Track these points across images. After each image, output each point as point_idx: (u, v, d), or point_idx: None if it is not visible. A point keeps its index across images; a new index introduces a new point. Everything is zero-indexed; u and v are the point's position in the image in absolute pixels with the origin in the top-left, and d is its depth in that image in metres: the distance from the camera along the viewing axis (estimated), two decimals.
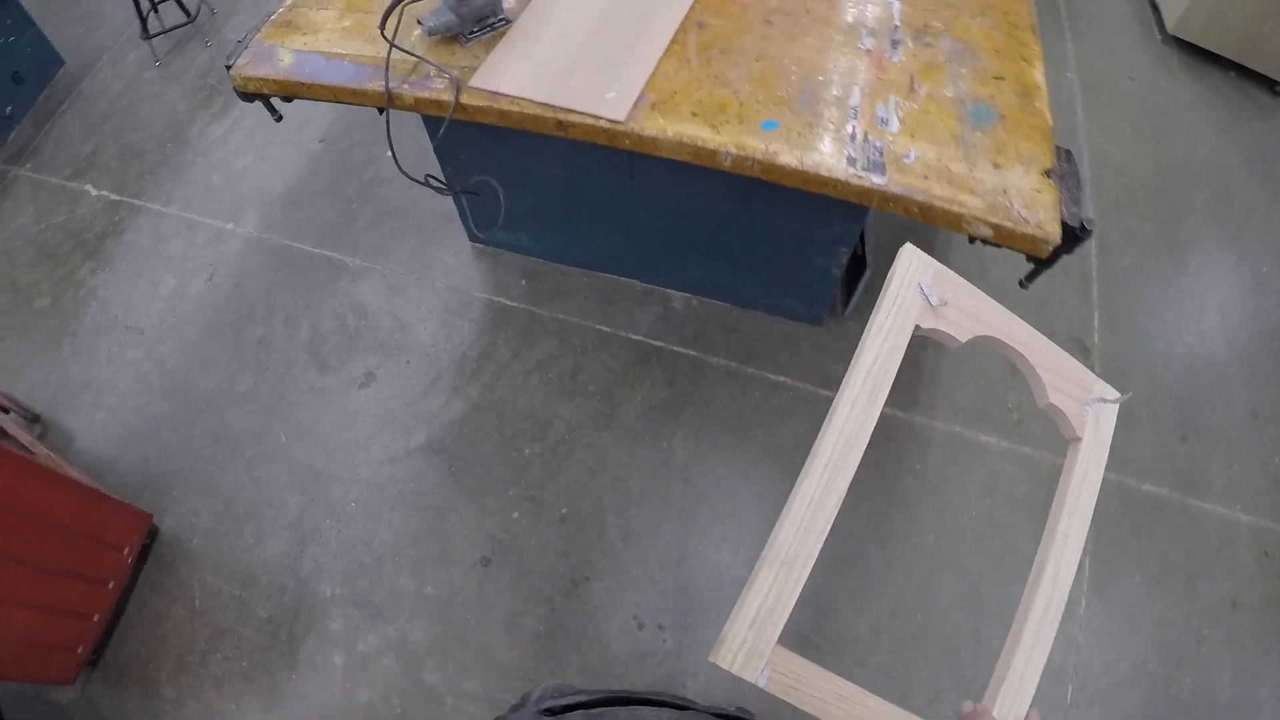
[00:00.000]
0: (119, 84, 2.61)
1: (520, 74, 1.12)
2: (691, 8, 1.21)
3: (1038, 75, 1.15)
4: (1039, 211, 1.03)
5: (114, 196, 2.30)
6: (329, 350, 1.88)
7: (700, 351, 1.81)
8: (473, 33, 1.19)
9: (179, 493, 1.74)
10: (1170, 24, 2.43)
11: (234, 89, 1.27)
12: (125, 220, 2.24)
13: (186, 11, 2.57)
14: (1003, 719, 0.57)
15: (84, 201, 2.31)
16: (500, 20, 1.19)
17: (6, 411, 1.82)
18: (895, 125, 1.09)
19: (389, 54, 1.12)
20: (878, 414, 0.59)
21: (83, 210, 2.28)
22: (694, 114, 1.10)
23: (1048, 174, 1.06)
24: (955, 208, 1.03)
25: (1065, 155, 1.09)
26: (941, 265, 0.64)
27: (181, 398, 1.85)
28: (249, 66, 1.25)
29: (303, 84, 1.20)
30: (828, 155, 1.07)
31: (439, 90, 1.14)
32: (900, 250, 0.65)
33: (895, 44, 1.17)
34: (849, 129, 1.09)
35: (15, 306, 2.13)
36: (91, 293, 2.10)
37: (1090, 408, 0.66)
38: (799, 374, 1.78)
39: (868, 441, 0.58)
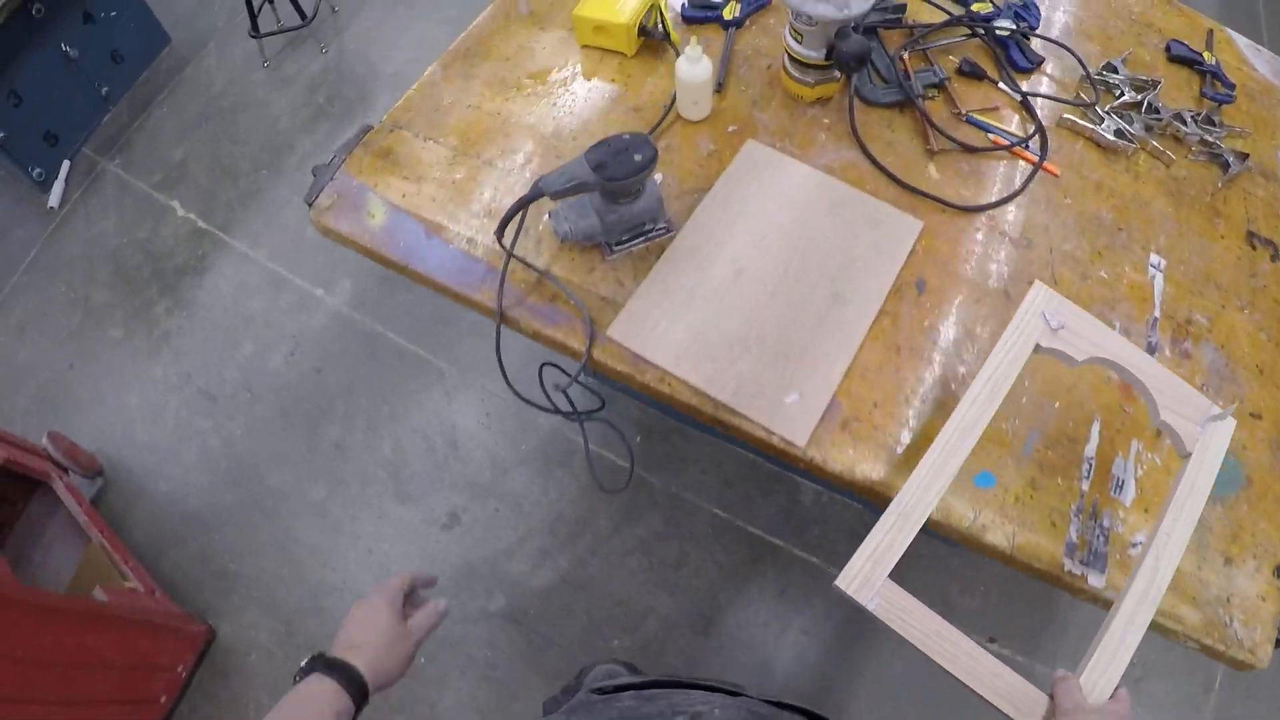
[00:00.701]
0: (222, 79, 2.40)
1: (673, 337, 0.85)
2: (911, 255, 0.92)
3: None
4: (1256, 629, 0.80)
5: (200, 223, 2.13)
6: (411, 475, 1.72)
7: (822, 560, 1.61)
8: (621, 243, 0.91)
9: (239, 600, 1.63)
10: None
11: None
12: (209, 256, 2.07)
13: (302, 13, 2.34)
14: (1090, 688, 0.66)
15: (168, 220, 2.14)
16: (660, 229, 0.91)
17: (66, 471, 1.69)
18: (1130, 492, 0.84)
19: (506, 265, 0.89)
20: (994, 410, 0.74)
21: (166, 232, 2.12)
22: (894, 444, 0.84)
23: (1279, 572, 0.83)
24: (1168, 623, 0.80)
25: None
26: (1067, 300, 0.79)
27: (248, 491, 1.72)
28: (332, 214, 0.99)
29: (395, 262, 0.96)
30: (1045, 539, 0.81)
31: (565, 327, 0.89)
32: (1033, 285, 0.80)
33: (1151, 350, 0.91)
34: (1076, 501, 0.83)
35: (87, 329, 1.99)
36: (165, 338, 1.96)
37: (1203, 427, 0.74)
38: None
39: (982, 431, 0.74)
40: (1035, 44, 1.11)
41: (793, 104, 1.03)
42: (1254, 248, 1.02)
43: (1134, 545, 0.83)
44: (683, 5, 1.12)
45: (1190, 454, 0.74)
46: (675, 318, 0.86)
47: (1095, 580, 0.82)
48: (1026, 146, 1.00)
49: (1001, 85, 1.06)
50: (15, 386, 1.94)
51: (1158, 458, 0.87)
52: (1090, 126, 1.03)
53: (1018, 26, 1.09)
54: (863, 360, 0.86)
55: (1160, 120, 1.05)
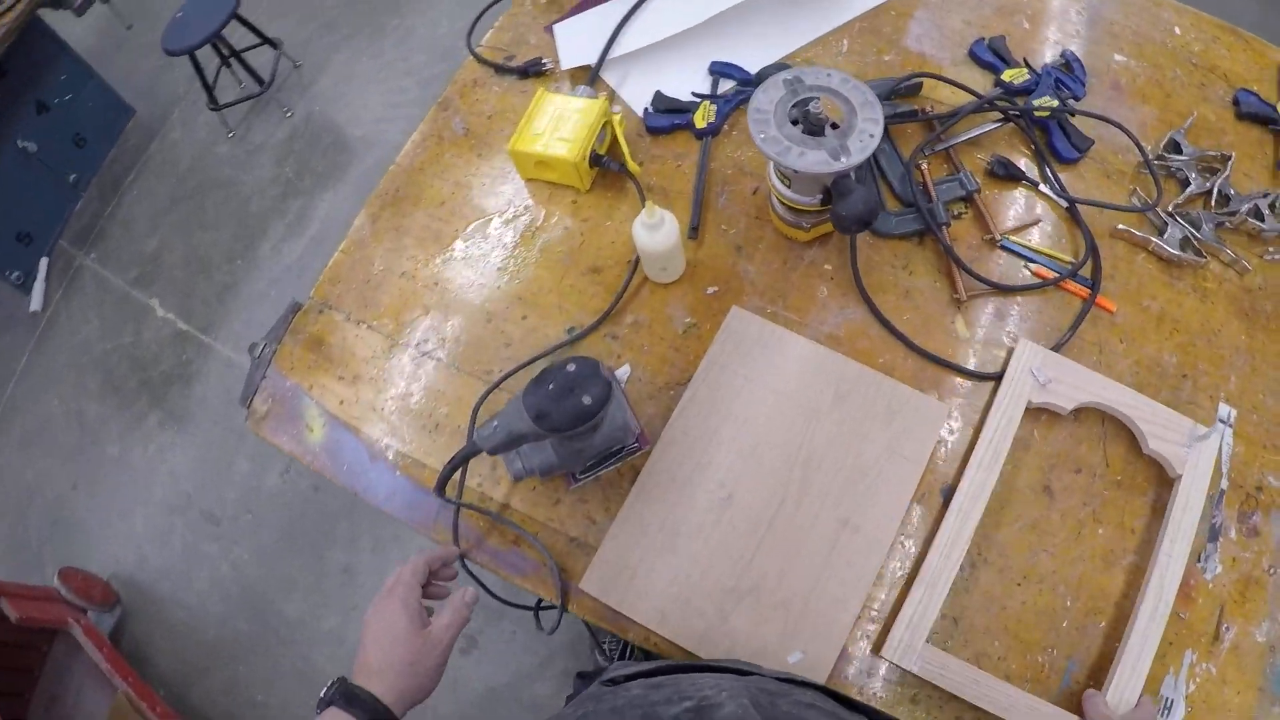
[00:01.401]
0: (188, 155, 2.27)
1: (656, 589, 0.70)
2: (935, 449, 0.75)
3: None
4: None
5: (181, 324, 2.03)
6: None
7: None
8: (587, 470, 0.75)
9: None
10: None
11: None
12: (193, 363, 1.98)
13: (259, 79, 2.16)
14: (1116, 703, 0.70)
15: (149, 322, 2.05)
16: (631, 446, 0.74)
17: (84, 611, 1.66)
18: (1180, 714, 0.70)
19: (456, 515, 0.76)
20: (998, 473, 0.74)
21: (148, 335, 2.03)
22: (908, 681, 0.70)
23: None
24: None
25: None
26: (1050, 351, 0.79)
27: (264, 621, 1.66)
28: (269, 425, 0.86)
29: (343, 487, 0.82)
30: None
31: (534, 576, 0.75)
32: (1019, 343, 0.79)
33: (1214, 534, 0.74)
34: None
35: (85, 446, 1.93)
36: (160, 454, 1.89)
37: (1190, 448, 0.75)
38: None
39: (990, 494, 0.74)
40: (1079, 120, 0.89)
41: (785, 244, 0.85)
42: None
43: None
44: (645, 113, 0.93)
45: (1180, 475, 0.75)
46: (656, 564, 0.72)
47: None
48: (1075, 275, 0.81)
49: (1043, 188, 0.85)
50: (25, 508, 1.91)
51: (1213, 666, 0.72)
52: (1149, 238, 0.83)
53: (1060, 101, 0.88)
54: (874, 595, 0.72)
55: (1233, 216, 0.84)
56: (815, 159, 0.67)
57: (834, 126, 0.70)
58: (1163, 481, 0.77)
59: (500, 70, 1.00)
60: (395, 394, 0.83)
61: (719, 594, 0.71)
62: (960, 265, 0.80)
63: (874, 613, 0.71)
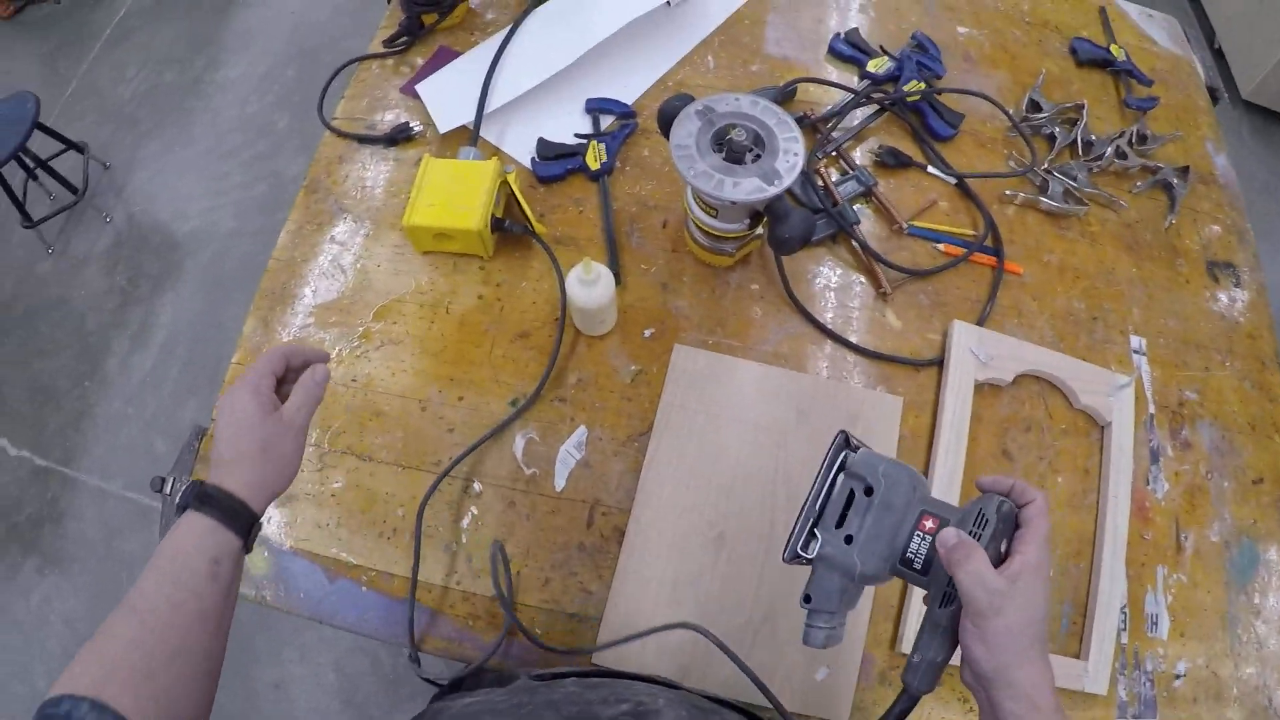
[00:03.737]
0: (8, 281, 1.93)
1: (668, 641, 0.65)
2: (900, 441, 0.76)
3: None
4: None
5: (38, 460, 1.73)
6: (367, 698, 1.46)
7: None
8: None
9: None
10: None
11: None
12: (61, 499, 1.69)
13: (70, 186, 1.87)
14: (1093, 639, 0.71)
15: (3, 464, 1.73)
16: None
17: None
18: (1165, 624, 0.75)
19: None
20: (964, 452, 0.74)
21: (3, 478, 1.72)
22: None
23: None
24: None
25: None
26: (983, 330, 0.80)
27: None
28: None
29: (306, 617, 0.70)
30: (1100, 711, 0.71)
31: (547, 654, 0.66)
32: (951, 324, 0.79)
33: (1155, 456, 0.80)
34: (1119, 658, 0.73)
35: None
36: (47, 603, 1.60)
37: (1114, 396, 0.79)
38: None
39: (962, 473, 0.74)
40: (946, 97, 0.91)
41: (709, 272, 0.81)
42: (1216, 280, 0.89)
43: (1178, 677, 0.73)
44: (533, 163, 0.85)
45: (1110, 422, 0.79)
46: (664, 619, 0.66)
47: None
48: (981, 246, 0.83)
49: (931, 170, 0.86)
50: None
51: (1183, 575, 0.77)
52: (1036, 198, 0.86)
53: (926, 83, 0.89)
54: (882, 593, 0.70)
55: (1101, 161, 0.89)
56: (750, 187, 0.64)
57: (753, 151, 0.66)
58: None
59: (364, 141, 0.89)
60: (339, 506, 0.72)
61: (735, 632, 0.66)
62: (879, 260, 0.79)
63: (883, 612, 0.69)
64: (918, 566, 0.45)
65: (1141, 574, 0.76)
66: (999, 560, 0.43)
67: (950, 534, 0.43)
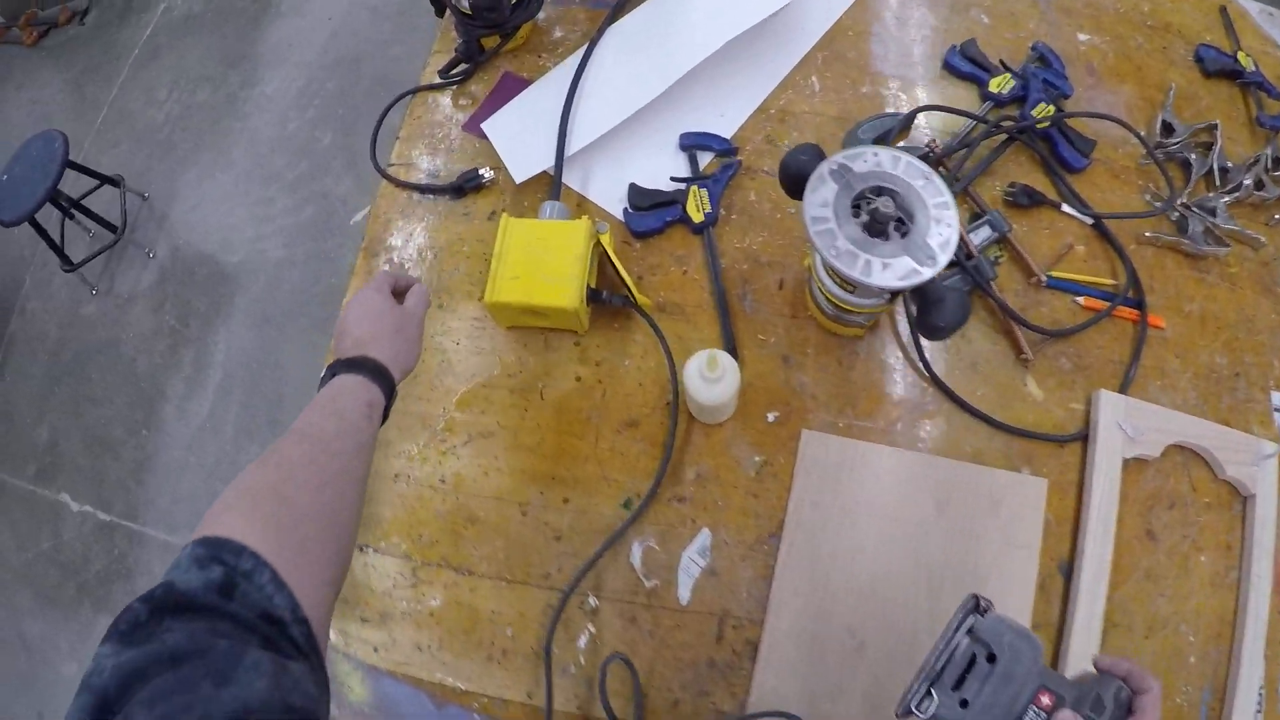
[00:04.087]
0: (54, 326, 1.89)
1: None
2: (1045, 527, 0.69)
3: None
4: None
5: (102, 515, 1.72)
6: None
7: None
8: None
9: None
10: None
11: None
12: (129, 555, 1.67)
13: (109, 225, 1.80)
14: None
15: (67, 520, 1.72)
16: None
17: None
18: None
19: None
20: (1112, 541, 0.67)
21: (69, 536, 1.71)
22: None
23: None
24: None
25: None
26: (1130, 399, 0.72)
27: None
28: None
29: None
30: None
31: None
32: (1096, 394, 0.71)
33: None
34: None
35: (37, 671, 1.62)
36: None
37: (1259, 465, 0.73)
38: None
39: (1108, 569, 0.67)
40: (1074, 119, 0.80)
41: (836, 344, 0.73)
42: None
43: None
44: (625, 214, 0.77)
45: (1254, 494, 0.72)
46: None
47: None
48: (1125, 298, 0.74)
49: (1066, 209, 0.77)
50: None
51: None
52: (1178, 239, 0.76)
53: (1055, 105, 0.79)
54: None
55: (1239, 192, 0.78)
56: (901, 270, 0.56)
57: (898, 220, 0.58)
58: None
59: (427, 192, 0.82)
60: (439, 626, 0.67)
61: None
62: (1020, 322, 0.71)
63: None
64: None
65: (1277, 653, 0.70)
66: None
67: (1067, 717, 0.43)
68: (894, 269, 0.56)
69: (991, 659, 0.46)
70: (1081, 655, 0.65)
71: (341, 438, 0.48)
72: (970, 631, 0.48)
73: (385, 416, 0.55)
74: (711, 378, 0.61)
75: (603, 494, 0.68)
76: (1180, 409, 0.73)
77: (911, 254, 0.56)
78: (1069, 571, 0.67)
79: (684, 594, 0.65)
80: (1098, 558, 0.67)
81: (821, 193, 0.59)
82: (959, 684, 0.46)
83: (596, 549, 0.66)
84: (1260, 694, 0.69)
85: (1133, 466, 0.71)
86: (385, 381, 0.54)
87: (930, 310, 0.58)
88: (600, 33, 0.85)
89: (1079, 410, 0.71)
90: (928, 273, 0.56)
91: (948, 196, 0.58)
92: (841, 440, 0.68)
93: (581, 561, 0.66)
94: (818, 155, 0.62)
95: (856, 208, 0.59)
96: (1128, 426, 0.70)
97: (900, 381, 0.71)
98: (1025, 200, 0.76)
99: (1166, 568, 0.70)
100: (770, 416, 0.69)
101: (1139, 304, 0.74)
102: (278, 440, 0.47)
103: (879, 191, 0.59)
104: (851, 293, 0.63)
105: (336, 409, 0.50)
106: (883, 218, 0.57)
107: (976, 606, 0.49)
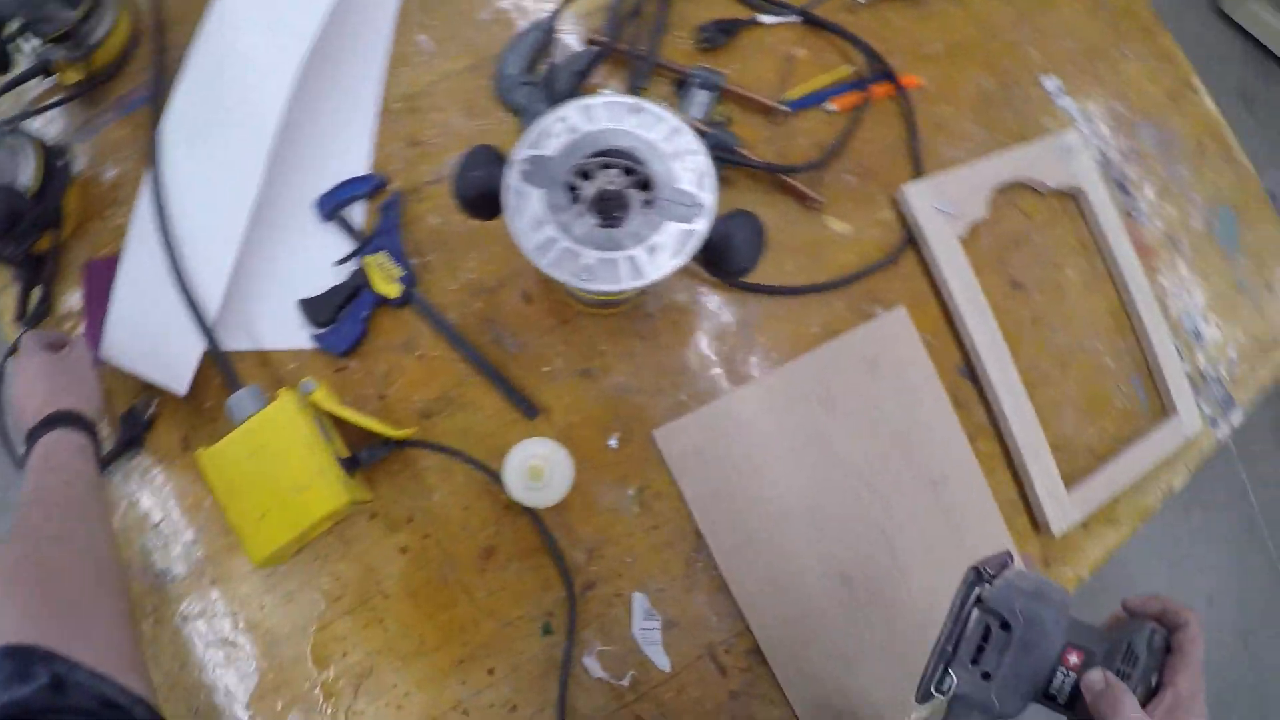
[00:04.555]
0: None
1: (865, 681, 0.58)
2: (928, 347, 0.64)
3: (1206, 104, 0.80)
4: None
5: None
6: None
7: None
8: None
9: None
10: None
11: None
12: None
13: None
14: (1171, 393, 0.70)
15: None
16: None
17: None
18: (1205, 329, 0.74)
19: None
20: (993, 317, 0.64)
21: None
22: None
23: None
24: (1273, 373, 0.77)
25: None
26: (930, 179, 0.67)
27: None
28: None
29: None
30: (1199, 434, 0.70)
31: None
32: (899, 193, 0.66)
33: (1123, 187, 0.73)
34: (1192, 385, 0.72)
35: None
36: None
37: (1068, 160, 0.71)
38: None
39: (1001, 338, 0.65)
40: None
41: (619, 324, 0.60)
42: None
43: (1231, 362, 0.75)
44: (317, 340, 0.58)
45: (1079, 186, 0.71)
46: (849, 664, 0.57)
47: (1237, 418, 0.75)
48: (875, 76, 0.65)
49: (764, 18, 0.64)
50: None
51: (1195, 274, 0.75)
52: None
53: None
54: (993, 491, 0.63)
55: None
56: (673, 240, 0.45)
57: (635, 186, 0.46)
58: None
59: (107, 464, 0.58)
60: None
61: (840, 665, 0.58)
62: (786, 170, 0.61)
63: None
64: (1061, 701, 0.42)
65: (1166, 301, 0.73)
66: (1149, 695, 0.40)
67: (1096, 678, 0.40)
68: (664, 246, 0.44)
69: (1006, 626, 0.42)
70: (1028, 443, 0.63)
71: (71, 485, 0.48)
72: (980, 603, 0.44)
73: (106, 460, 0.54)
74: (539, 486, 0.49)
75: (518, 638, 0.56)
76: (975, 153, 0.69)
77: (672, 214, 0.44)
78: (970, 371, 0.65)
79: (662, 662, 0.57)
80: (989, 342, 0.64)
81: (527, 211, 0.44)
82: (976, 657, 0.43)
83: (556, 694, 0.56)
84: (1176, 346, 0.72)
85: (967, 235, 0.67)
86: (82, 425, 0.52)
87: (722, 258, 0.47)
88: (155, 143, 0.59)
89: (891, 217, 0.65)
90: (702, 224, 0.44)
91: (669, 118, 0.45)
92: (694, 415, 0.58)
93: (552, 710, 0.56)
94: (493, 160, 0.46)
95: (574, 189, 0.46)
96: (944, 206, 0.64)
97: (713, 315, 0.61)
98: (722, 36, 0.64)
99: (1045, 303, 0.69)
100: (612, 442, 0.58)
101: (887, 74, 0.67)
102: (13, 515, 0.45)
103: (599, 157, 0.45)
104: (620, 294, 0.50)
105: (52, 465, 0.49)
106: (613, 196, 0.44)
107: (980, 577, 0.45)
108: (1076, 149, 0.71)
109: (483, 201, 0.47)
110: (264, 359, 0.59)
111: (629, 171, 0.46)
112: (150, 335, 0.58)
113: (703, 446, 0.58)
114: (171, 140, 0.59)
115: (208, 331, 0.57)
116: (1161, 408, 0.70)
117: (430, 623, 0.56)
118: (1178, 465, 0.71)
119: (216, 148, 0.58)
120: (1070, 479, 0.64)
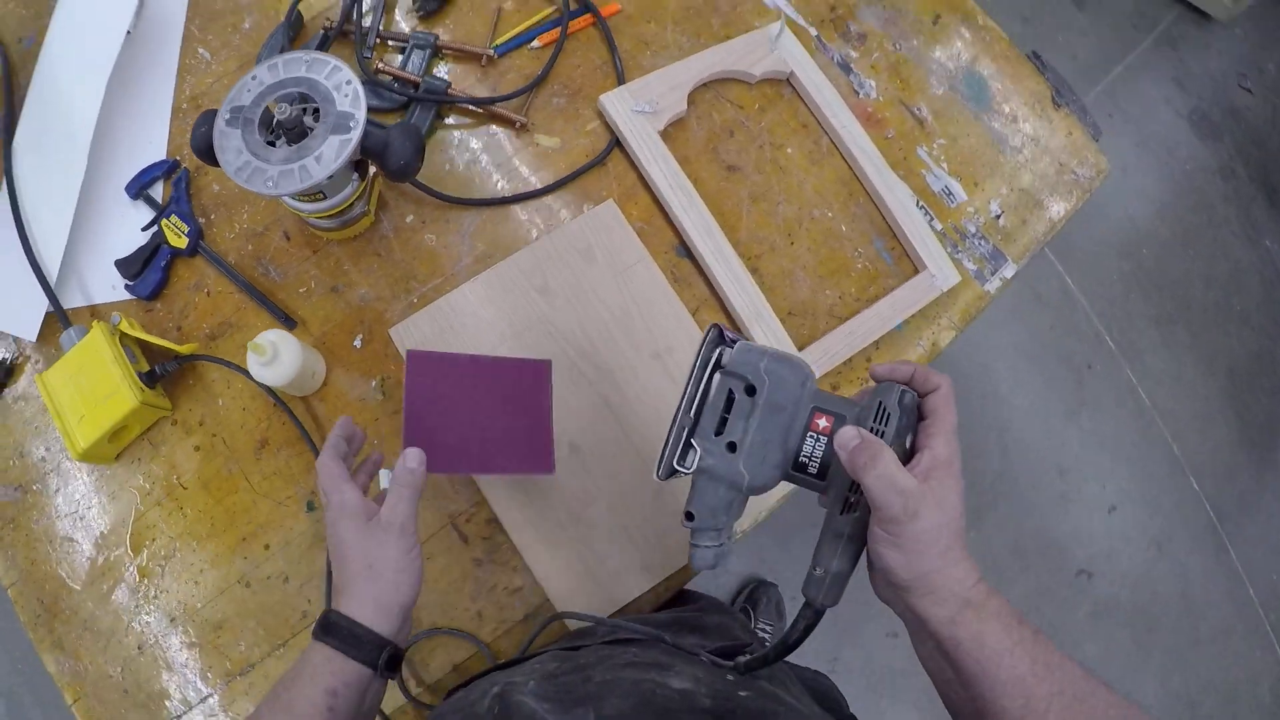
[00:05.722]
0: None
1: (612, 568, 0.65)
2: (641, 235, 0.71)
3: None
4: (1089, 157, 0.79)
5: None
6: None
7: None
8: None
9: None
10: None
11: None
12: None
13: None
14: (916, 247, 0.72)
15: None
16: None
17: None
18: (957, 187, 0.76)
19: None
20: (699, 199, 0.69)
21: None
22: None
23: (1055, 102, 0.80)
24: (1046, 228, 0.77)
25: (1040, 62, 0.82)
26: (628, 86, 0.71)
27: None
28: None
29: None
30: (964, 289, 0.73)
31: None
32: (601, 102, 0.70)
33: (845, 66, 0.77)
34: (945, 240, 0.74)
35: None
36: None
37: (778, 49, 0.74)
38: None
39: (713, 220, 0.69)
40: None
41: (364, 243, 0.70)
42: None
43: (997, 216, 0.76)
44: (129, 289, 0.70)
45: (791, 70, 0.74)
46: (594, 547, 0.63)
47: (1008, 270, 0.76)
48: (570, 14, 0.73)
49: None
50: None
51: (940, 139, 0.77)
52: None
53: None
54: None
55: None
56: (335, 147, 0.54)
57: (309, 112, 0.56)
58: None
59: None
60: None
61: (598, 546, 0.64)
62: (493, 103, 0.70)
63: None
64: (813, 471, 0.39)
65: (909, 165, 0.76)
66: (906, 458, 0.38)
67: (850, 433, 0.37)
68: (327, 153, 0.54)
69: (751, 391, 0.39)
70: (752, 313, 0.67)
71: None
72: (720, 367, 0.41)
73: (391, 673, 0.45)
74: (267, 359, 0.58)
75: (288, 516, 0.66)
76: (680, 59, 0.73)
77: (335, 130, 0.55)
78: (687, 250, 0.70)
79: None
80: (701, 225, 0.69)
81: (231, 145, 0.56)
82: (721, 428, 0.40)
83: (324, 564, 0.64)
84: (921, 207, 0.75)
85: (674, 133, 0.73)
86: (365, 647, 0.43)
87: (385, 159, 0.57)
88: (9, 155, 0.75)
89: (599, 127, 0.72)
90: (357, 131, 0.55)
91: (328, 60, 0.57)
92: (423, 312, 0.66)
93: (321, 581, 0.64)
94: (213, 119, 0.58)
95: (271, 131, 0.57)
96: (641, 106, 0.71)
97: (439, 231, 0.70)
98: (435, 3, 0.73)
99: (764, 182, 0.73)
100: (357, 343, 0.67)
101: (588, 7, 0.74)
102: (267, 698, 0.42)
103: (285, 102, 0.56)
104: (324, 199, 0.60)
105: (287, 701, 0.42)
106: (288, 119, 0.55)
107: (721, 337, 0.42)
108: (785, 36, 0.74)
109: (209, 150, 0.58)
110: (94, 311, 0.72)
111: (307, 108, 0.57)
112: (5, 296, 0.73)
113: (431, 338, 0.66)
114: (19, 150, 0.75)
115: (49, 289, 0.71)
116: (913, 268, 0.72)
117: (219, 508, 0.66)
118: (940, 320, 0.73)
119: (50, 153, 0.74)
120: (809, 339, 0.68)
